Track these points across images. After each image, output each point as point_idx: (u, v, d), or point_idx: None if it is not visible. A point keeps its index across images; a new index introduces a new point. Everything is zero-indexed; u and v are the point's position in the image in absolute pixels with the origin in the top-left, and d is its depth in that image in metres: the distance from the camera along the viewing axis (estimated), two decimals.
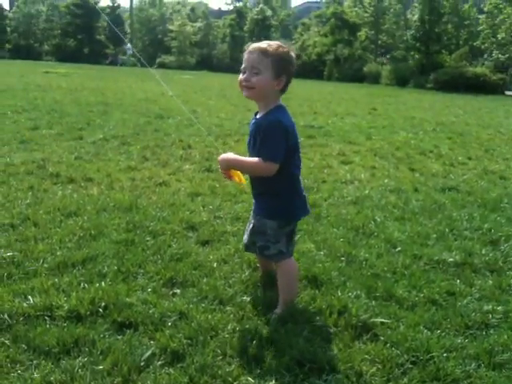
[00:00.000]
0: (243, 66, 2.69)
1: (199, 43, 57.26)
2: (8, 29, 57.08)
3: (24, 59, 43.58)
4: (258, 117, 2.78)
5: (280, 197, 2.77)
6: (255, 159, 2.62)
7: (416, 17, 35.27)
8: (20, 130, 8.08)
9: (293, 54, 2.72)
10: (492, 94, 25.81)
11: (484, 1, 39.08)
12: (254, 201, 2.97)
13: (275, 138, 2.59)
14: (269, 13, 53.26)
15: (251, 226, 2.93)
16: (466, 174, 6.66)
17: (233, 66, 49.31)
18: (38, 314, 2.68)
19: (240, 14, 55.33)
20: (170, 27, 58.02)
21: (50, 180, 5.28)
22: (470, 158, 7.77)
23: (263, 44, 2.66)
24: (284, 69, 2.66)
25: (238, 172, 2.79)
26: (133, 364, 2.30)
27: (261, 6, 54.41)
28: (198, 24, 59.44)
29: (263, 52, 2.62)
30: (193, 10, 66.36)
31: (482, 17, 36.98)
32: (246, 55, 2.69)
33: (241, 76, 2.69)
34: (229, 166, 2.75)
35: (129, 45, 52.07)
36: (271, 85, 2.65)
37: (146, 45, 58.28)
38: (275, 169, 2.61)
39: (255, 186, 2.89)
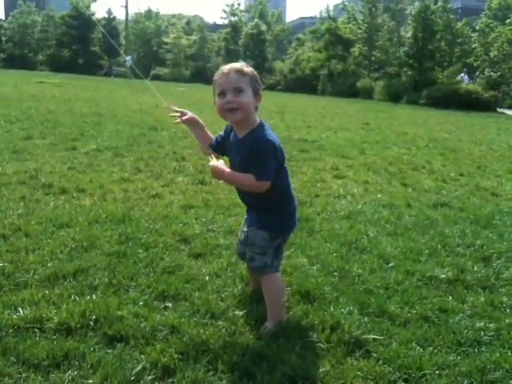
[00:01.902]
0: (220, 89, 2.68)
1: (194, 56, 57.61)
2: (3, 38, 57.20)
3: (18, 69, 43.55)
4: (240, 136, 2.77)
5: (272, 209, 2.81)
6: (248, 177, 2.64)
7: (409, 34, 35.62)
8: (13, 139, 8.05)
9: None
10: (484, 111, 26.01)
11: (476, 20, 39.61)
12: (246, 212, 3.01)
13: (268, 157, 2.63)
14: (263, 27, 53.70)
15: (244, 235, 2.97)
16: (458, 190, 6.69)
17: None
18: (28, 326, 2.64)
19: (235, 28, 55.76)
20: (165, 40, 58.40)
21: (42, 190, 5.25)
22: (462, 175, 7.81)
23: (236, 65, 2.70)
24: (259, 85, 2.74)
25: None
26: (123, 378, 2.28)
27: (256, 20, 54.85)
28: (193, 37, 59.84)
29: (240, 71, 2.66)
30: (188, 23, 66.87)
31: (474, 35, 37.48)
32: (221, 78, 2.68)
33: (219, 100, 2.68)
34: (221, 179, 2.78)
35: (129, 57, 52.30)
36: (253, 102, 2.69)
37: (140, 57, 58.55)
38: (267, 187, 2.66)
39: (247, 200, 2.94)
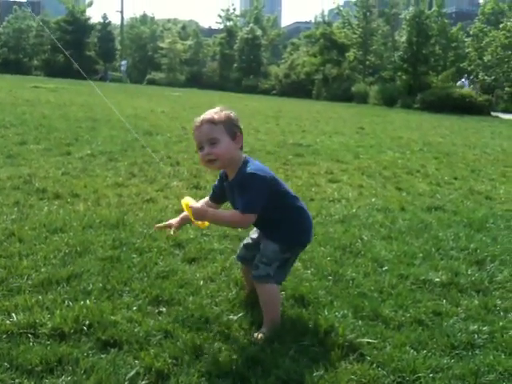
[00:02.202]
0: (197, 142, 2.73)
1: (189, 61, 57.63)
2: None
3: (13, 74, 43.46)
4: (230, 179, 2.82)
5: (282, 226, 2.85)
6: (232, 213, 2.72)
7: (404, 38, 35.77)
8: (7, 144, 8.03)
9: (234, 113, 2.80)
10: (478, 115, 26.12)
11: (470, 24, 39.82)
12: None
13: (251, 189, 2.65)
14: (259, 32, 53.80)
15: (250, 242, 3.05)
16: (452, 193, 6.71)
17: (222, 84, 49.74)
18: (22, 331, 2.63)
19: (230, 32, 55.84)
20: (161, 44, 58.38)
21: (36, 195, 5.23)
22: (456, 178, 7.84)
23: (208, 115, 2.71)
24: (236, 127, 2.74)
25: None
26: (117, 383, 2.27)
27: (251, 25, 54.95)
28: (189, 42, 59.86)
29: (211, 121, 2.67)
30: (183, 27, 66.94)
31: (468, 40, 37.67)
32: (196, 132, 2.74)
33: (200, 153, 2.74)
34: (205, 219, 2.77)
35: (124, 61, 52.35)
36: (232, 147, 2.71)
37: (136, 61, 58.55)
38: (253, 220, 2.69)
39: (260, 226, 2.96)
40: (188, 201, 2.72)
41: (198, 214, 2.69)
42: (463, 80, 32.31)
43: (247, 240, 3.12)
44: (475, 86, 32.76)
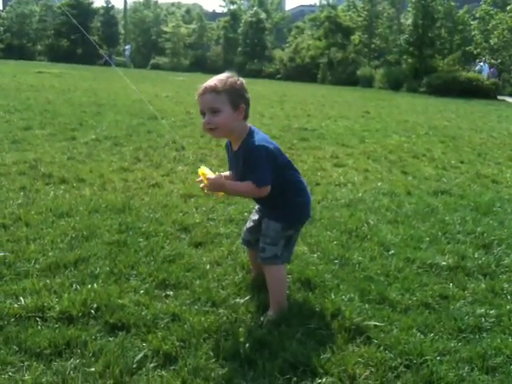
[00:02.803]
0: (200, 109, 2.70)
1: (193, 45, 57.34)
2: (1, 28, 56.86)
3: (17, 59, 43.37)
4: (234, 149, 2.80)
5: (284, 203, 2.82)
6: (247, 184, 2.66)
7: (409, 21, 35.43)
8: (12, 129, 8.03)
9: (243, 80, 2.74)
10: (485, 99, 25.94)
11: (476, 7, 39.37)
12: (259, 208, 3.05)
13: (260, 162, 2.64)
14: (263, 15, 53.36)
15: (252, 224, 3.04)
16: (458, 177, 6.68)
17: (226, 68, 49.41)
18: (30, 315, 2.65)
19: (234, 16, 55.44)
20: (164, 29, 58.08)
21: (42, 180, 5.24)
22: (462, 162, 7.80)
23: (211, 82, 2.65)
24: (240, 97, 2.68)
25: None
26: (125, 366, 2.28)
27: (255, 8, 54.50)
28: (193, 26, 59.52)
29: (214, 90, 2.62)
30: (187, 11, 66.46)
31: (474, 23, 37.27)
32: (198, 99, 2.69)
33: (202, 120, 2.71)
34: (222, 191, 2.75)
35: (128, 46, 52.10)
36: (233, 118, 2.66)
37: (139, 46, 58.26)
38: (267, 191, 2.69)
39: (257, 200, 2.95)
40: (204, 170, 2.71)
41: (215, 185, 2.67)
42: (481, 64, 31.12)
43: (249, 223, 3.11)
44: (493, 72, 31.88)
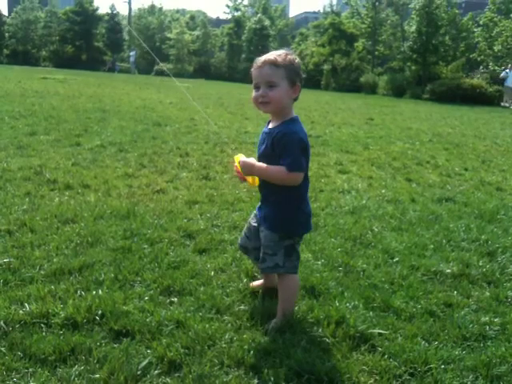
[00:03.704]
0: (255, 82, 2.66)
1: (197, 51, 57.55)
2: (6, 34, 57.17)
3: (21, 65, 43.57)
4: (270, 127, 2.76)
5: (285, 206, 2.74)
6: (281, 169, 2.59)
7: (413, 28, 35.43)
8: (17, 135, 8.06)
9: (299, 60, 2.72)
10: (488, 106, 25.93)
11: (480, 14, 39.40)
12: (258, 210, 2.95)
13: (296, 149, 2.58)
14: (267, 22, 53.54)
15: (250, 229, 2.98)
16: (462, 184, 6.68)
17: (230, 75, 49.66)
18: (35, 321, 2.66)
19: (238, 23, 55.60)
20: (169, 35, 58.31)
21: (46, 186, 5.26)
22: (466, 169, 7.80)
23: (271, 56, 2.62)
24: (297, 75, 2.65)
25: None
26: (129, 373, 2.29)
27: (259, 15, 54.70)
28: (197, 32, 59.72)
29: (274, 64, 2.59)
30: (192, 18, 66.69)
31: (477, 30, 37.28)
32: (255, 71, 2.65)
33: (254, 93, 2.67)
34: (252, 173, 2.72)
35: (133, 52, 52.27)
36: (288, 95, 2.64)
37: (144, 52, 58.41)
38: (300, 178, 2.62)
39: (264, 192, 2.85)
40: (240, 156, 2.72)
41: (246, 167, 2.67)
42: (507, 71, 30.28)
43: (247, 227, 3.05)
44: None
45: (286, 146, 2.58)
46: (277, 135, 2.62)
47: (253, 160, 2.70)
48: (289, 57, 2.63)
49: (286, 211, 2.75)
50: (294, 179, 2.61)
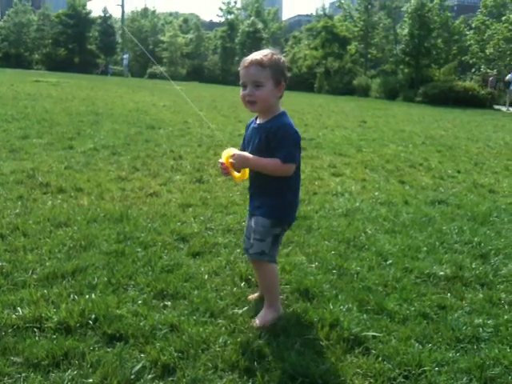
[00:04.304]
0: (242, 81, 2.73)
1: (190, 54, 57.58)
2: None
3: (14, 68, 43.41)
4: (259, 122, 2.83)
5: (277, 196, 2.79)
6: (274, 161, 2.67)
7: (405, 31, 35.62)
8: (10, 138, 8.03)
9: (285, 59, 2.81)
10: (481, 108, 26.07)
11: (472, 17, 39.65)
12: (250, 202, 2.97)
13: (290, 141, 2.68)
14: (260, 25, 53.66)
15: (248, 228, 2.98)
16: (455, 187, 6.70)
17: (224, 78, 49.68)
18: (27, 325, 2.64)
19: (231, 26, 55.70)
20: (162, 38, 58.31)
21: (39, 190, 5.23)
22: (459, 172, 7.83)
23: (257, 56, 2.69)
24: (282, 75, 2.73)
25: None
26: (123, 377, 2.28)
27: (252, 18, 54.79)
28: (190, 35, 59.76)
29: (260, 64, 2.66)
30: (185, 21, 66.75)
31: (469, 33, 37.52)
32: (242, 71, 2.73)
33: (241, 91, 2.74)
34: (246, 166, 2.77)
35: (126, 55, 52.23)
36: (274, 94, 2.71)
37: (137, 55, 58.40)
38: (293, 169, 2.72)
39: (256, 185, 2.89)
40: (230, 151, 2.75)
41: (241, 160, 2.72)
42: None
43: (246, 228, 3.05)
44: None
45: (282, 138, 2.67)
46: (271, 129, 2.70)
47: (246, 153, 2.75)
48: (274, 57, 2.70)
49: (278, 200, 2.81)
50: (286, 170, 2.70)
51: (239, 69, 2.76)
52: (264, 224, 2.79)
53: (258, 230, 2.82)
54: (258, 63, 2.66)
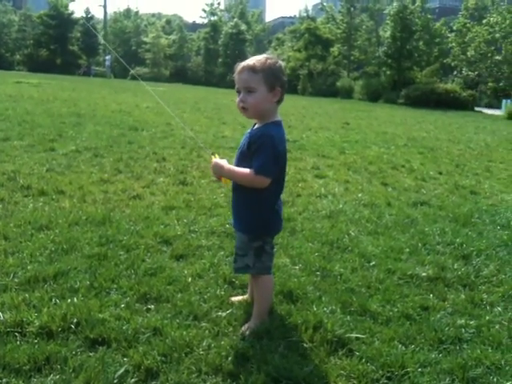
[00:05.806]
0: (236, 87, 2.68)
1: (174, 56, 57.42)
2: None
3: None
4: (254, 128, 2.77)
5: (254, 210, 2.74)
6: (247, 171, 2.61)
7: (388, 33, 35.94)
8: None
9: (282, 63, 2.72)
10: (462, 110, 26.37)
11: (453, 19, 40.08)
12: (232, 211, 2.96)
13: (266, 150, 2.57)
14: (243, 27, 53.74)
15: None
16: (437, 188, 6.76)
17: (207, 79, 49.59)
18: (9, 330, 2.60)
19: (215, 27, 55.68)
20: (145, 39, 58.07)
21: (20, 192, 5.17)
22: (440, 173, 7.90)
23: (250, 61, 2.64)
24: (277, 80, 2.64)
25: None
26: (106, 382, 2.25)
27: (235, 20, 54.82)
28: (173, 37, 59.60)
29: (252, 69, 2.60)
30: (168, 22, 66.53)
31: (451, 35, 37.92)
32: (236, 76, 2.67)
33: (237, 97, 2.68)
34: (221, 174, 2.75)
35: (108, 56, 51.90)
36: (267, 100, 2.64)
37: (119, 56, 58.07)
38: (267, 182, 2.60)
39: (235, 196, 2.86)
40: (216, 156, 2.77)
41: (215, 167, 2.72)
42: None
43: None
44: None
45: (260, 147, 2.58)
46: (254, 136, 2.64)
47: (224, 162, 2.73)
48: (268, 61, 2.63)
49: (254, 213, 2.75)
50: (259, 182, 2.60)
51: (234, 74, 2.70)
52: (243, 239, 2.78)
53: (238, 245, 2.83)
54: (250, 68, 2.60)
